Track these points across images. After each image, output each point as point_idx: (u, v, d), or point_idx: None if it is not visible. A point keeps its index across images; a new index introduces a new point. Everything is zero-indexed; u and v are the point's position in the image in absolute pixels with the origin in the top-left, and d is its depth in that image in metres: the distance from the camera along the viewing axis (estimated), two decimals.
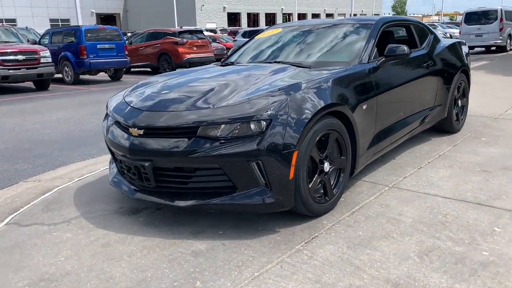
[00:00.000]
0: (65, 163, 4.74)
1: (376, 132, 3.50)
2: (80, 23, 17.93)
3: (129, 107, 3.05)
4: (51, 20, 46.78)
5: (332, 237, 2.67)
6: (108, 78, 14.49)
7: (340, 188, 3.09)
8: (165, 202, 2.78)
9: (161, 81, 3.55)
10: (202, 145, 2.61)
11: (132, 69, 17.04)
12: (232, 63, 4.13)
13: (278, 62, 3.73)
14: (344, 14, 65.80)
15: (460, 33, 19.26)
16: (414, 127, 4.17)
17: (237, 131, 2.61)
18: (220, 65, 4.19)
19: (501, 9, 17.91)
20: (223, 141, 2.60)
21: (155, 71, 16.36)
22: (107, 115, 3.38)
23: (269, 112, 2.61)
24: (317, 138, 2.81)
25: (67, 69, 13.16)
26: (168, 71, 15.18)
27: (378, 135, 3.54)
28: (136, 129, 2.81)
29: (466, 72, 5.04)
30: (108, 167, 3.99)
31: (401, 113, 3.88)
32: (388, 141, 3.72)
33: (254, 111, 2.62)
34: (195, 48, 15.40)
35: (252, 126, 2.60)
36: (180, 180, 2.77)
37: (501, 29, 17.78)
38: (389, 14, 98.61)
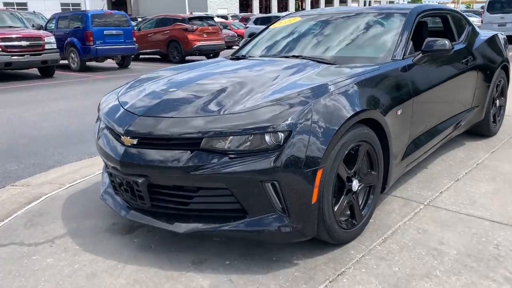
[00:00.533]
0: (59, 162, 4.31)
1: (410, 140, 3.01)
2: (88, 8, 17.46)
3: (123, 109, 2.59)
4: (62, 5, 46.31)
5: (363, 274, 2.20)
6: (116, 66, 14.05)
7: (370, 209, 2.62)
8: (162, 225, 2.33)
9: (165, 77, 3.08)
10: (207, 160, 2.15)
11: (140, 56, 16.59)
12: (244, 57, 3.63)
13: (297, 57, 3.23)
14: (358, 1, 64.46)
15: (482, 22, 18.43)
16: (450, 132, 3.66)
17: (249, 144, 2.14)
18: (231, 59, 3.70)
19: None
20: (232, 155, 2.14)
21: (164, 58, 15.89)
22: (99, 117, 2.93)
23: (288, 122, 2.13)
24: (346, 152, 2.33)
25: (73, 56, 12.74)
26: (177, 59, 14.79)
27: (412, 143, 3.05)
28: (128, 137, 2.35)
29: (506, 68, 4.49)
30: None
31: (437, 117, 3.38)
32: (422, 150, 3.22)
33: (270, 119, 2.14)
34: (205, 35, 14.86)
35: (267, 138, 2.13)
36: (180, 200, 2.31)
37: None
38: (403, 1, 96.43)
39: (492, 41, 4.35)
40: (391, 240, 2.52)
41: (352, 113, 2.32)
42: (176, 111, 2.36)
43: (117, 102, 2.75)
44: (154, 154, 2.26)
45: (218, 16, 30.61)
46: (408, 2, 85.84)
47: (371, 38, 3.24)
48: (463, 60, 3.71)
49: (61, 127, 5.82)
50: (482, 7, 28.87)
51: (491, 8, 18.03)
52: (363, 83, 2.55)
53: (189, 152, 2.20)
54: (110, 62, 14.65)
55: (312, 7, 55.67)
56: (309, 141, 2.13)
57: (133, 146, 2.34)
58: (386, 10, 3.50)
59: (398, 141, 2.82)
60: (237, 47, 18.84)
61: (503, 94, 4.62)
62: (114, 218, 2.90)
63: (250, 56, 3.59)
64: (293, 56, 3.26)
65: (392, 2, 68.65)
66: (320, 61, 3.02)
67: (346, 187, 2.43)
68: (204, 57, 16.11)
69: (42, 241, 2.66)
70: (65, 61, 12.99)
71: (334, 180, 2.29)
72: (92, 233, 2.73)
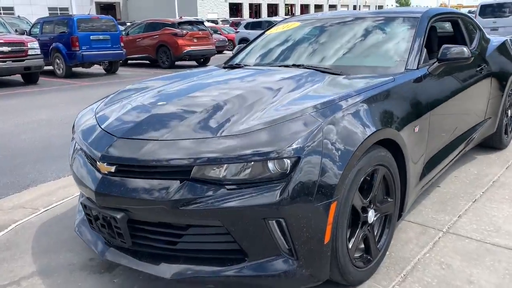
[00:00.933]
0: (35, 181, 3.92)
1: (426, 159, 2.68)
2: (75, 12, 17.01)
3: (100, 129, 2.22)
4: (49, 9, 45.67)
5: None
6: (103, 71, 13.62)
7: (386, 242, 2.29)
8: (147, 268, 1.97)
9: (151, 89, 2.73)
10: (198, 192, 1.80)
11: (129, 61, 16.17)
12: (238, 65, 3.28)
13: (298, 66, 2.90)
14: (348, 6, 64.61)
15: None
16: (464, 147, 3.35)
17: (248, 172, 1.79)
18: (224, 67, 3.35)
19: None
20: (228, 187, 1.79)
21: (153, 63, 15.50)
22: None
23: (295, 146, 1.78)
24: (362, 179, 1.99)
25: (58, 62, 12.28)
26: (167, 64, 14.41)
27: (428, 163, 2.72)
28: (105, 164, 1.99)
29: None
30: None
31: (453, 131, 3.06)
32: (438, 169, 2.90)
33: (274, 143, 1.80)
34: (195, 40, 14.49)
35: (271, 166, 1.79)
36: (167, 239, 1.95)
37: None
38: (392, 6, 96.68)
39: (503, 47, 4.06)
40: (411, 279, 2.18)
41: (368, 133, 1.98)
42: (162, 132, 2.00)
43: (94, 120, 2.39)
44: (135, 185, 1.90)
45: (208, 21, 30.27)
46: (397, 6, 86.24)
47: (380, 45, 2.91)
48: (477, 69, 3.40)
49: (41, 140, 5.41)
50: (470, 11, 28.86)
51: (483, 13, 17.90)
52: (378, 97, 2.22)
53: (177, 182, 1.84)
54: (97, 68, 14.21)
55: (302, 12, 55.61)
56: (321, 169, 1.79)
57: (110, 174, 1.98)
58: (394, 14, 3.18)
59: (415, 161, 2.49)
60: (227, 52, 18.42)
61: None
62: (92, 252, 2.53)
63: (245, 65, 3.24)
64: (293, 65, 2.92)
65: (382, 7, 68.95)
66: (325, 71, 2.69)
67: (361, 219, 2.09)
68: (194, 62, 15.76)
69: (6, 283, 2.28)
70: (50, 67, 12.54)
71: (349, 213, 1.95)
72: (66, 272, 2.35)
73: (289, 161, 1.77)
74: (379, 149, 2.10)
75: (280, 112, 2.01)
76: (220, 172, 1.81)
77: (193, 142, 1.89)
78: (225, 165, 1.79)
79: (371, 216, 2.14)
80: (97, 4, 50.36)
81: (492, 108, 3.73)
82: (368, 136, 1.97)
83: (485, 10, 18.09)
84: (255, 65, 3.21)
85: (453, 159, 3.19)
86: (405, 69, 2.65)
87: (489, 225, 2.73)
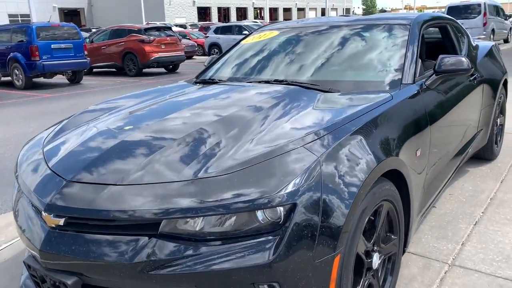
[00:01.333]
0: None
1: (427, 184, 2.39)
2: (35, 20, 16.18)
3: (47, 169, 1.83)
4: (10, 16, 43.97)
5: None
6: (67, 81, 12.95)
7: (391, 286, 1.97)
8: None
9: (116, 111, 2.36)
10: (168, 251, 1.43)
11: (94, 70, 15.50)
12: (212, 81, 2.92)
13: (281, 82, 2.56)
14: (316, 9, 65.12)
15: None
16: (459, 164, 3.10)
17: (231, 224, 1.44)
18: (195, 82, 2.99)
19: (484, 3, 17.21)
20: (206, 244, 1.44)
21: (120, 71, 14.90)
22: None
23: (290, 189, 1.45)
24: (366, 220, 1.67)
25: (17, 72, 11.57)
26: (134, 72, 13.87)
27: (429, 187, 2.44)
28: (52, 215, 1.59)
29: (506, 83, 4.00)
30: None
31: (451, 149, 2.79)
32: (435, 192, 2.62)
33: (263, 187, 1.46)
34: (163, 46, 14.00)
35: (260, 215, 1.44)
36: None
37: (484, 24, 17.11)
38: (358, 8, 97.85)
39: (492, 54, 3.85)
40: None
41: (373, 166, 1.66)
42: (124, 173, 1.63)
43: (41, 156, 1.98)
44: (90, 242, 1.52)
45: (176, 26, 29.70)
46: (363, 9, 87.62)
47: (371, 57, 2.61)
48: (471, 78, 3.16)
49: None
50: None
51: (450, 14, 18.14)
52: (379, 120, 1.91)
53: (144, 238, 1.47)
54: (60, 78, 13.51)
55: (271, 17, 55.62)
56: (321, 216, 1.46)
57: (59, 228, 1.59)
58: (381, 21, 2.89)
59: (418, 188, 2.20)
60: (197, 58, 17.97)
61: (502, 111, 4.14)
62: None
63: (220, 80, 2.88)
64: (276, 81, 2.58)
65: (349, 10, 69.74)
66: (312, 87, 2.37)
67: (365, 266, 1.77)
68: (162, 69, 15.26)
69: None
70: (9, 78, 11.82)
71: (353, 263, 1.62)
72: None
73: (282, 208, 1.43)
74: (383, 182, 1.79)
75: (269, 144, 1.67)
76: (195, 225, 1.46)
77: (162, 186, 1.53)
78: (202, 216, 1.44)
79: (376, 260, 1.82)
80: (61, 10, 48.87)
81: (484, 119, 3.50)
82: (373, 170, 1.65)
83: (452, 12, 18.33)
84: (230, 80, 2.85)
85: (450, 177, 2.93)
86: (401, 83, 2.36)
87: (497, 253, 2.46)
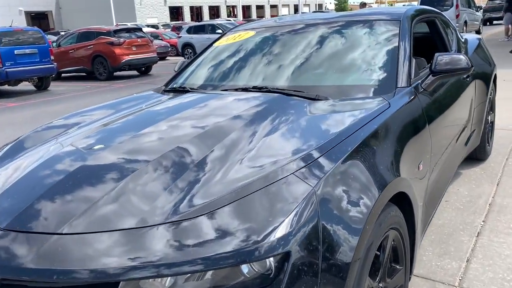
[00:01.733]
0: None
1: (427, 199, 2.13)
2: (0, 25, 15.44)
3: None
4: None
5: None
6: (33, 88, 12.36)
7: None
8: None
9: (76, 130, 2.03)
10: None
11: (63, 75, 14.90)
12: (183, 89, 2.60)
13: (261, 89, 2.26)
14: (288, 5, 65.08)
15: None
16: (454, 171, 2.87)
17: (209, 280, 1.14)
18: (165, 91, 2.67)
19: None
20: None
21: (90, 76, 14.36)
22: None
23: (280, 234, 1.16)
24: (373, 258, 1.39)
25: None
26: (104, 76, 13.36)
27: (428, 202, 2.18)
28: None
29: (495, 78, 3.81)
30: None
31: (449, 156, 2.55)
32: (435, 206, 2.38)
33: (246, 232, 1.16)
34: (134, 48, 13.53)
35: (246, 268, 1.14)
36: None
37: (457, 16, 17.16)
38: (330, 3, 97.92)
39: (481, 48, 3.65)
40: None
41: (378, 192, 1.39)
42: (71, 216, 1.30)
43: None
44: None
45: (148, 26, 29.08)
46: (335, 4, 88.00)
47: (359, 57, 2.33)
48: (464, 76, 2.93)
49: None
50: (404, 6, 29.50)
51: (424, 5, 18.18)
52: (379, 134, 1.63)
53: None
54: (26, 85, 12.90)
55: (244, 15, 55.25)
56: (321, 263, 1.17)
57: None
58: (368, 17, 2.62)
59: (420, 207, 1.93)
60: (171, 58, 17.52)
61: (492, 108, 3.94)
62: None
63: (192, 89, 2.56)
64: (254, 88, 2.28)
65: (321, 6, 69.89)
66: (297, 95, 2.08)
67: None
68: (135, 72, 14.78)
69: None
70: None
71: None
72: None
73: (272, 259, 1.14)
74: (388, 208, 1.51)
75: (250, 172, 1.37)
76: (164, 282, 1.15)
77: (121, 235, 1.21)
78: (171, 276, 1.13)
79: None
80: (27, 14, 47.39)
81: (477, 118, 3.28)
82: (379, 198, 1.38)
83: (425, 3, 18.36)
84: (203, 87, 2.54)
85: (447, 186, 2.69)
86: (396, 87, 2.09)
87: (506, 271, 2.23)
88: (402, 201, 1.72)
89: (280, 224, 1.17)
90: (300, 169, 1.35)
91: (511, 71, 8.08)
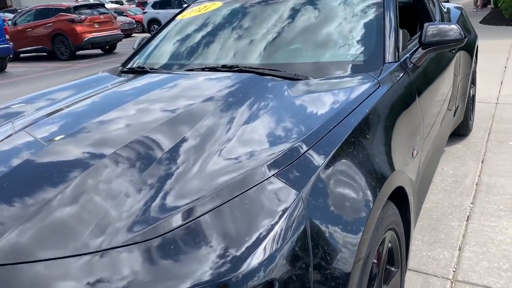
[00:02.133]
0: None
1: (419, 186, 1.93)
2: None
3: None
4: None
5: None
6: None
7: None
8: None
9: (26, 115, 1.71)
10: None
11: (21, 55, 14.09)
12: (142, 69, 2.28)
13: (231, 68, 1.97)
14: None
15: None
16: (442, 153, 2.68)
17: None
18: (122, 72, 2.35)
19: None
20: None
21: (52, 55, 13.61)
22: None
23: (260, 259, 0.91)
24: (370, 269, 1.17)
25: None
26: (66, 55, 12.67)
27: (419, 191, 1.97)
28: None
29: (477, 49, 3.63)
30: None
31: (438, 137, 2.35)
32: (426, 194, 2.19)
33: (220, 258, 0.91)
34: (96, 26, 12.84)
35: None
36: None
37: None
38: None
39: (463, 18, 3.44)
40: None
41: (376, 192, 1.16)
42: (20, 233, 1.02)
43: None
44: None
45: (112, 2, 27.85)
46: None
47: (341, 30, 2.07)
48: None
49: None
50: None
51: None
52: (370, 119, 1.39)
53: None
54: None
55: None
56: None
57: None
58: None
59: (414, 198, 1.73)
60: (137, 35, 16.84)
61: (473, 81, 3.77)
62: None
63: (152, 69, 2.24)
64: (224, 67, 2.00)
65: None
66: (273, 74, 1.81)
67: None
68: (99, 51, 14.10)
69: None
70: None
71: None
72: None
73: None
74: (385, 207, 1.29)
75: (229, 166, 1.12)
76: None
77: (55, 265, 0.94)
78: None
79: None
80: None
81: (460, 92, 3.10)
82: (377, 198, 1.14)
83: None
84: (165, 67, 2.24)
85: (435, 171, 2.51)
86: (383, 62, 1.85)
87: (502, 259, 2.07)
88: (396, 195, 1.50)
89: (259, 246, 0.92)
90: (283, 168, 1.09)
91: (482, 42, 8.00)
